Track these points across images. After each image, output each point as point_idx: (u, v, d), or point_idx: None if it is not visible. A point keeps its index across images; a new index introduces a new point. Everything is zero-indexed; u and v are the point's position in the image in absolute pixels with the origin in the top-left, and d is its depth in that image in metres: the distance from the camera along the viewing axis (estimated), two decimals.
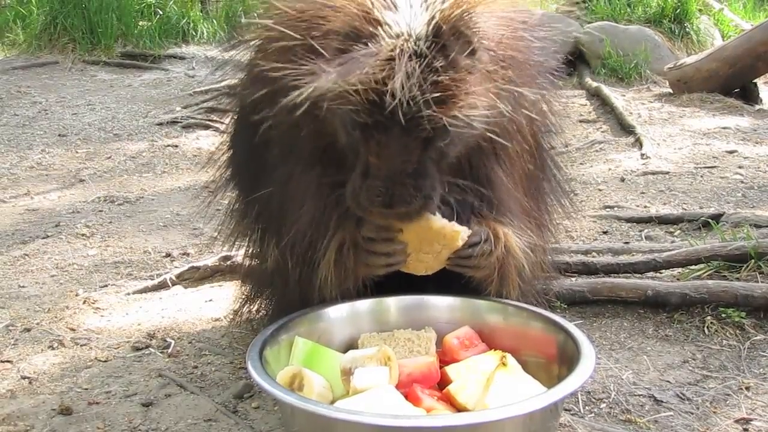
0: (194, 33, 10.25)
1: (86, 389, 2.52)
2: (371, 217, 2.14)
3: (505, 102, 2.08)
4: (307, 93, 1.90)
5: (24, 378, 2.59)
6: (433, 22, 1.95)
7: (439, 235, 2.20)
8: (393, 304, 2.36)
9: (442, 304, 2.37)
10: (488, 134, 2.14)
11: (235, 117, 2.66)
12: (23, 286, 3.45)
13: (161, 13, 10.16)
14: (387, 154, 1.99)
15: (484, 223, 2.29)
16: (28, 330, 2.96)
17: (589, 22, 9.36)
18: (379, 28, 1.96)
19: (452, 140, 2.05)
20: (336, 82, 1.88)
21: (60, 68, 8.99)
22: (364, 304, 2.33)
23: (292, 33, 2.10)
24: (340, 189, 2.22)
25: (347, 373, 2.03)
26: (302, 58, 2.00)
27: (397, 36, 1.94)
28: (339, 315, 2.30)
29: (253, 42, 2.47)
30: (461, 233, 2.21)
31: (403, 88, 1.87)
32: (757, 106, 7.36)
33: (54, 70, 8.95)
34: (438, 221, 2.18)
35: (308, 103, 1.93)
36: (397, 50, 1.90)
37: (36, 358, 2.73)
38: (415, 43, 1.93)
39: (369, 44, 1.94)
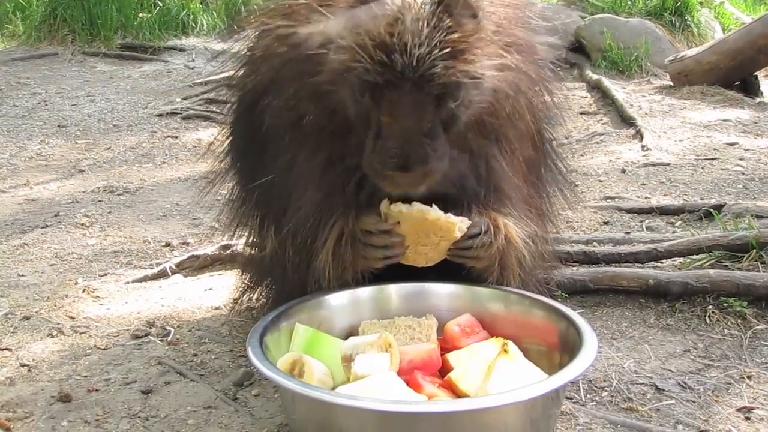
0: (194, 25, 10.23)
1: (85, 377, 2.50)
2: (386, 185, 2.12)
3: (509, 80, 2.09)
4: (316, 38, 1.90)
5: (23, 365, 2.57)
6: None
7: (435, 226, 2.20)
8: (394, 291, 2.36)
9: (443, 291, 2.36)
10: (494, 102, 2.15)
11: (236, 103, 2.64)
12: (22, 275, 3.43)
13: (161, 4, 10.14)
14: (400, 111, 1.99)
15: (484, 213, 2.28)
16: (27, 318, 2.95)
17: (590, 15, 9.33)
18: None
19: (462, 101, 2.05)
20: (344, 31, 1.90)
21: (59, 60, 8.97)
22: (365, 292, 2.33)
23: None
24: (343, 176, 2.22)
25: (348, 360, 2.03)
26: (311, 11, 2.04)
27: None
28: (340, 302, 2.30)
29: (255, 25, 2.47)
30: (457, 224, 2.20)
31: (412, 42, 1.91)
32: (758, 99, 7.34)
33: (53, 61, 8.93)
34: (433, 213, 2.18)
35: (315, 48, 1.94)
36: (404, 8, 1.93)
37: (35, 346, 2.72)
38: (420, 5, 1.96)
39: (374, 5, 1.96)
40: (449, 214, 2.20)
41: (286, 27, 2.12)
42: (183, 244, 3.86)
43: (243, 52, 2.55)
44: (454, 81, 1.98)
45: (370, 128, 2.07)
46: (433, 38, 1.94)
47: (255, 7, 2.61)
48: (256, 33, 2.46)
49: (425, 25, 1.93)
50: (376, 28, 1.92)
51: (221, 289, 3.23)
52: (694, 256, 3.17)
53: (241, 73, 2.57)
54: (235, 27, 2.68)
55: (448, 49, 1.95)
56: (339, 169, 2.24)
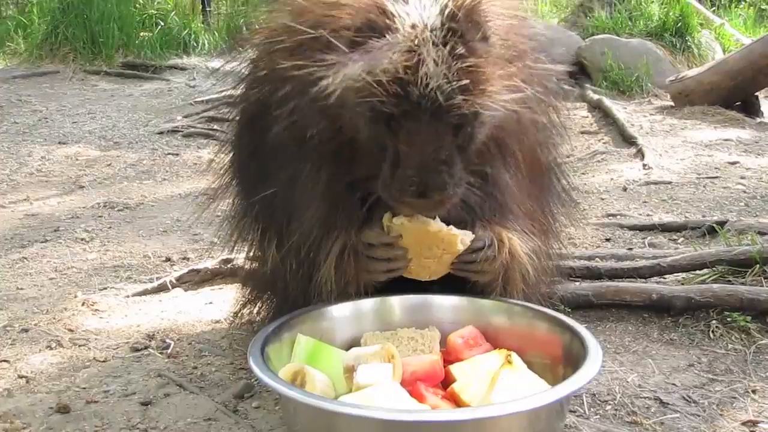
0: (195, 44, 10.30)
1: (84, 388, 2.48)
2: (403, 210, 2.13)
3: (525, 84, 2.07)
4: (333, 84, 1.87)
5: (21, 377, 2.55)
6: (446, 12, 1.95)
7: (437, 239, 2.18)
8: (397, 303, 2.34)
9: (446, 303, 2.35)
10: (501, 131, 2.14)
11: (239, 116, 2.63)
12: (21, 289, 3.42)
13: (162, 24, 10.20)
14: (418, 141, 1.98)
15: (488, 227, 2.28)
16: (26, 330, 2.92)
17: (591, 35, 9.36)
18: (394, 20, 1.96)
19: (479, 126, 2.04)
20: (362, 74, 1.86)
21: (61, 77, 9.00)
22: (368, 303, 2.31)
23: (303, 27, 2.08)
24: (346, 194, 2.21)
25: (350, 371, 2.01)
26: (316, 52, 1.99)
27: (413, 27, 1.94)
28: (342, 314, 2.28)
29: (259, 40, 2.46)
30: (459, 237, 2.19)
31: (429, 73, 1.88)
32: (758, 119, 7.36)
33: (55, 79, 8.97)
34: (434, 225, 2.17)
35: (332, 97, 1.91)
36: (418, 39, 1.90)
37: (33, 358, 2.70)
38: (431, 32, 1.93)
39: (386, 36, 1.93)
40: (451, 227, 2.19)
41: (295, 66, 2.05)
42: (183, 259, 3.84)
43: (246, 65, 2.54)
44: (473, 111, 1.97)
45: (382, 151, 2.06)
46: (450, 68, 1.91)
47: (259, 22, 2.60)
48: (263, 43, 2.45)
49: (440, 54, 1.91)
50: (391, 59, 1.89)
51: (221, 303, 3.21)
52: (698, 272, 3.15)
53: (244, 86, 2.56)
54: (238, 44, 2.67)
55: (464, 80, 1.92)
56: (342, 183, 2.23)
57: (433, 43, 1.92)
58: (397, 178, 2.02)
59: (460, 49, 1.94)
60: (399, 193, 2.04)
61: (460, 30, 1.95)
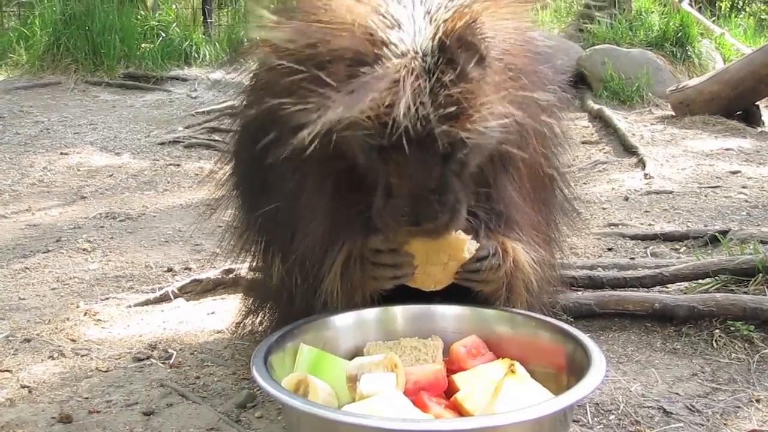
0: (196, 55, 10.29)
1: (86, 398, 2.48)
2: (398, 233, 2.13)
3: (518, 109, 2.05)
4: (315, 129, 1.84)
5: (23, 387, 2.55)
6: (438, 36, 1.90)
7: (444, 242, 2.17)
8: (400, 313, 2.32)
9: (448, 313, 2.33)
10: (503, 143, 2.12)
11: (239, 130, 2.62)
12: (23, 299, 3.41)
13: (164, 35, 10.20)
14: (407, 173, 1.97)
15: (492, 237, 2.27)
16: (28, 340, 2.92)
17: (591, 45, 9.38)
18: (384, 48, 1.90)
19: (472, 151, 2.02)
20: (344, 114, 1.81)
21: (62, 89, 8.99)
22: (371, 313, 2.30)
23: (295, 65, 2.05)
24: (351, 204, 2.20)
25: (353, 380, 2.00)
26: (308, 87, 1.93)
27: (403, 55, 1.88)
28: (345, 323, 2.27)
29: (259, 52, 2.45)
30: (467, 241, 2.19)
31: (410, 109, 1.82)
32: (760, 129, 7.37)
33: (56, 90, 8.96)
34: None
35: (319, 137, 1.89)
36: (403, 70, 1.85)
37: (36, 368, 2.70)
38: (422, 59, 1.88)
39: (375, 67, 1.87)
40: (459, 231, 2.19)
41: (287, 104, 1.99)
42: (185, 269, 3.84)
43: (247, 77, 2.53)
44: (460, 140, 1.94)
45: (378, 178, 2.06)
46: (437, 97, 1.86)
47: (257, 37, 2.58)
48: (261, 59, 2.44)
49: (427, 83, 1.86)
50: (378, 91, 1.82)
51: (224, 313, 3.21)
52: (700, 281, 3.15)
53: (244, 100, 2.55)
54: (238, 56, 2.67)
55: (452, 108, 1.88)
56: (346, 194, 2.22)
57: (421, 72, 1.86)
58: (389, 208, 2.02)
59: (449, 76, 1.88)
60: (392, 222, 2.04)
61: (450, 55, 1.90)
